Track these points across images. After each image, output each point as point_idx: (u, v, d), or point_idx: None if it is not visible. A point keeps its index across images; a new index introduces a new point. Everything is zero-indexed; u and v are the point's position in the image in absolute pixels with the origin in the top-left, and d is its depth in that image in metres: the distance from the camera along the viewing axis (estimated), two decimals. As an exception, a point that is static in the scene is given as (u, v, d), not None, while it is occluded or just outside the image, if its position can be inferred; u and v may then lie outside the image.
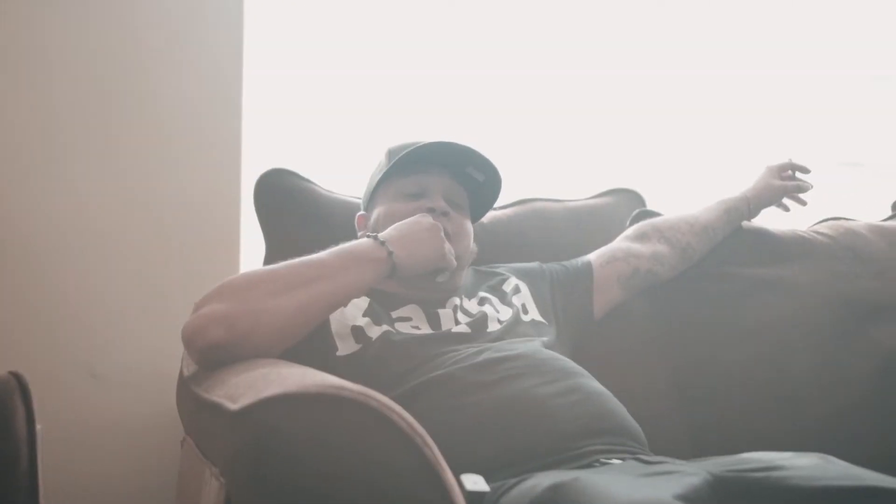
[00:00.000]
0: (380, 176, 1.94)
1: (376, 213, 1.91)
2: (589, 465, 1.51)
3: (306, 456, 1.11)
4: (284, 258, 1.64)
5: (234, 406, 1.21)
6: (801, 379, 2.11)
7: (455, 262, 1.81)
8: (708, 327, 2.15)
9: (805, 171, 2.34)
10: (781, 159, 2.35)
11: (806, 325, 2.18)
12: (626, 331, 2.12)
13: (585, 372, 1.72)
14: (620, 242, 2.13)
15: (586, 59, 2.67)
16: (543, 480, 1.32)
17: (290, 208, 2.07)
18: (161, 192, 2.33)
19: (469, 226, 1.94)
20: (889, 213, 2.59)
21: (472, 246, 1.95)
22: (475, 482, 1.35)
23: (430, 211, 1.85)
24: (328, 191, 2.14)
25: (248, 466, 1.14)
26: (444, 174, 1.94)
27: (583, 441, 1.55)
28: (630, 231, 2.16)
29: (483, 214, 2.04)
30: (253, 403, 1.16)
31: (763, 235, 2.29)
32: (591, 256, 2.08)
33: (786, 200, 2.33)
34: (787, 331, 2.16)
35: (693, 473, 1.36)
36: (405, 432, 1.14)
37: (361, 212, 1.99)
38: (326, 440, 1.12)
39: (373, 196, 1.96)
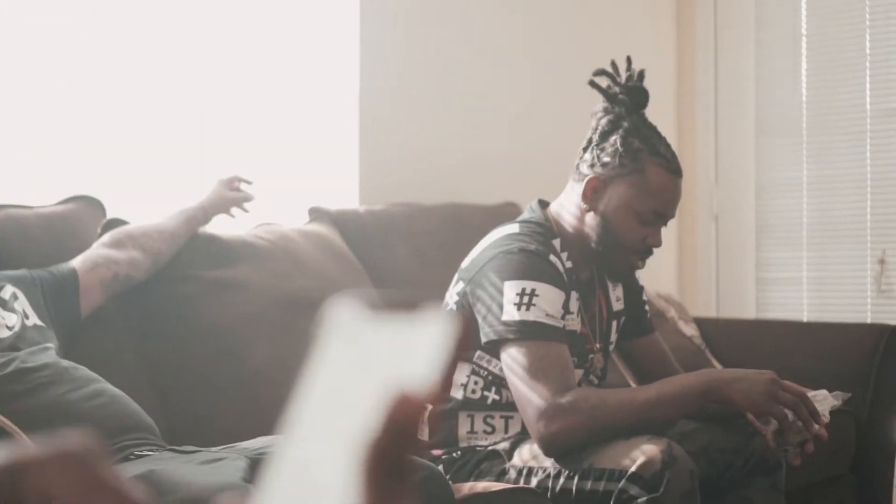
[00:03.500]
0: None
1: None
2: (126, 459, 1.67)
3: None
4: None
5: None
6: (259, 371, 2.39)
7: None
8: (175, 326, 2.36)
9: (249, 182, 2.63)
10: (230, 174, 2.62)
11: (259, 321, 2.46)
12: (106, 332, 2.26)
13: (101, 378, 1.87)
14: (99, 249, 2.26)
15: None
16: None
17: None
18: None
19: None
20: (308, 218, 2.97)
21: None
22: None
23: None
24: None
25: None
26: None
27: (116, 438, 1.71)
28: (106, 238, 2.30)
29: None
30: None
31: (217, 241, 2.54)
32: (75, 263, 2.19)
33: (233, 209, 2.61)
34: (244, 327, 2.43)
35: (236, 458, 1.59)
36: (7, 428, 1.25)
37: None
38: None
39: None
